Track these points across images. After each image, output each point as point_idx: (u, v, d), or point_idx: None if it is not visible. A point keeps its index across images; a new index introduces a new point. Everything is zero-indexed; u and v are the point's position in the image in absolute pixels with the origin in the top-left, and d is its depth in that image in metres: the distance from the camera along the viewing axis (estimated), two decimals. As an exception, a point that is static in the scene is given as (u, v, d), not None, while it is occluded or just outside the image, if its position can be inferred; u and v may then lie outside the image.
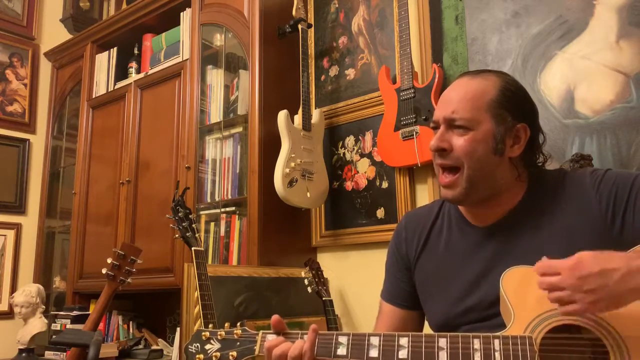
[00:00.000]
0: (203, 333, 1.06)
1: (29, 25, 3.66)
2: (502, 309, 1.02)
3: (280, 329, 1.06)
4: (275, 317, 1.06)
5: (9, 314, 3.21)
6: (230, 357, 1.02)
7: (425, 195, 2.20)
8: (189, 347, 1.04)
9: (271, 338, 1.04)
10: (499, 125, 1.10)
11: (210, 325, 1.11)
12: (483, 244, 1.14)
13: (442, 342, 0.96)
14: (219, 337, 1.05)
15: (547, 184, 1.14)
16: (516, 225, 1.12)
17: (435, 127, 1.16)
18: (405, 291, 1.27)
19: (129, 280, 1.91)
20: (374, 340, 0.99)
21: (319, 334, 1.03)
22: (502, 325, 0.99)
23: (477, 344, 0.95)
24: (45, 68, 3.69)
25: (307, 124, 2.34)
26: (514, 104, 1.12)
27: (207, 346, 1.05)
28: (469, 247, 1.16)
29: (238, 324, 1.12)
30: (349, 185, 2.45)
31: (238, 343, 1.04)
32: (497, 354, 0.93)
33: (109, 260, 1.89)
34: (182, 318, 1.94)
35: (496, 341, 0.94)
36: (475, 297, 1.10)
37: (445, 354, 0.95)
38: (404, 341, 0.98)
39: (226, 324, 1.07)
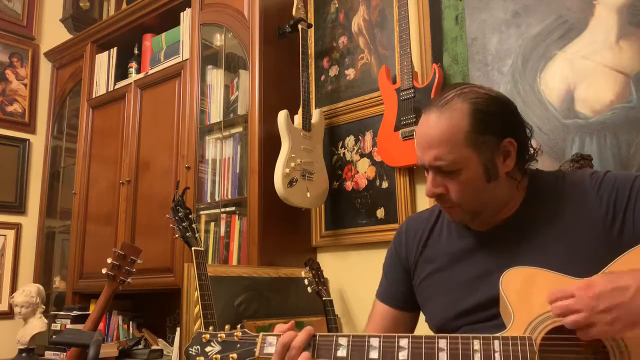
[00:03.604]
0: (203, 335, 1.06)
1: (29, 25, 3.66)
2: (502, 310, 1.02)
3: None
4: (291, 323, 1.06)
5: (9, 314, 3.21)
6: (231, 359, 1.02)
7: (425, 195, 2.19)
8: (190, 349, 1.05)
9: (272, 339, 1.04)
10: (484, 153, 1.07)
11: (211, 328, 1.11)
12: (482, 247, 1.14)
13: (442, 343, 0.96)
14: (219, 339, 1.05)
15: (546, 186, 1.14)
16: (516, 228, 1.12)
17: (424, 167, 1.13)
18: (401, 292, 1.28)
19: (129, 280, 1.91)
20: (374, 342, 0.99)
21: (319, 335, 1.03)
22: (502, 326, 0.98)
23: (477, 344, 0.95)
24: (45, 68, 3.69)
25: (307, 124, 2.34)
26: (490, 123, 1.07)
27: (208, 348, 1.05)
28: (468, 250, 1.16)
29: (238, 326, 1.12)
30: (349, 185, 2.45)
31: (238, 345, 1.04)
32: (497, 355, 0.93)
33: (109, 260, 1.89)
34: (182, 318, 1.94)
35: (496, 342, 0.94)
36: (474, 299, 1.10)
37: (445, 355, 0.95)
38: (404, 342, 0.98)
39: (226, 326, 1.07)
